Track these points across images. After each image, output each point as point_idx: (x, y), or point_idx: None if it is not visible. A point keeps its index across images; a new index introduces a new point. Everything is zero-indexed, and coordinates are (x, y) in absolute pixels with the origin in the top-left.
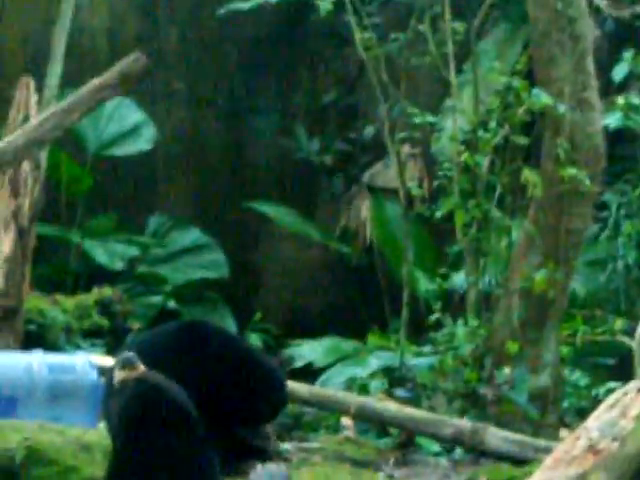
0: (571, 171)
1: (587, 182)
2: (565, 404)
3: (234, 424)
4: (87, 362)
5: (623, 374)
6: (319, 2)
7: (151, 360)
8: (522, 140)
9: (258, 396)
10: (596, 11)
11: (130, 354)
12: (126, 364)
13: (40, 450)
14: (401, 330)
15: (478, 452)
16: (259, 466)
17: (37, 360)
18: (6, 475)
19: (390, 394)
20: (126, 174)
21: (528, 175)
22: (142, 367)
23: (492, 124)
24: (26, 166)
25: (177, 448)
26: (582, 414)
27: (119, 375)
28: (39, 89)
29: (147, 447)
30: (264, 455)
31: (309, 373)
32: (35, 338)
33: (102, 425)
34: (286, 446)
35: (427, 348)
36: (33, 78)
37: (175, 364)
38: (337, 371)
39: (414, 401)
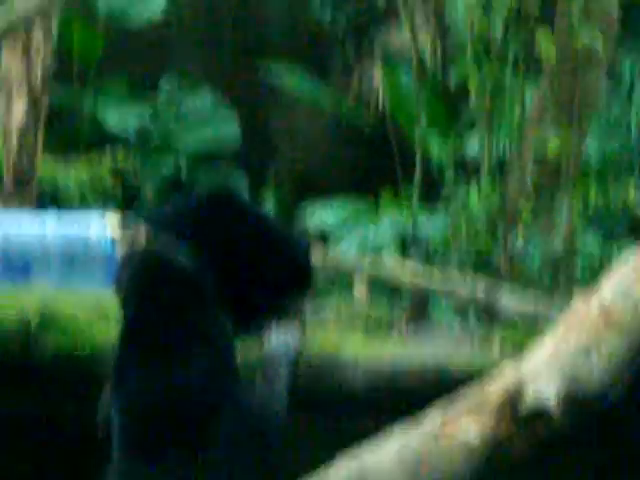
0: (585, 36)
1: (600, 47)
2: (578, 269)
3: (253, 296)
4: (101, 226)
5: (637, 239)
6: None
7: (168, 228)
8: (536, 5)
9: (283, 270)
10: None
11: (132, 221)
12: (128, 225)
13: (55, 315)
14: (414, 195)
15: (492, 315)
16: (273, 332)
17: (51, 224)
18: (21, 340)
19: (403, 256)
20: (137, 37)
21: (542, 40)
22: (145, 237)
23: None
24: (38, 31)
25: (187, 317)
26: (595, 279)
27: (123, 245)
28: None
29: (156, 318)
30: (280, 323)
31: (322, 236)
32: (49, 202)
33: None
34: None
35: (440, 212)
36: None
37: (196, 231)
38: (350, 234)
39: (427, 263)
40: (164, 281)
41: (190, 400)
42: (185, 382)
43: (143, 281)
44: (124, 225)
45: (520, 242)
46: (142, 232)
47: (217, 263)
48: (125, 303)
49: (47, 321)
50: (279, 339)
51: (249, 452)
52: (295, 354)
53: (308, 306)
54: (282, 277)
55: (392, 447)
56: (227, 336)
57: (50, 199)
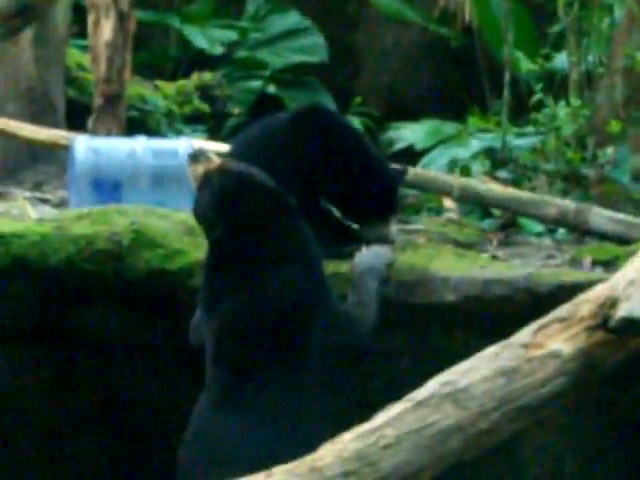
0: None
1: None
2: None
3: (344, 210)
4: (190, 147)
5: None
6: None
7: (251, 149)
8: None
9: (368, 193)
10: None
11: (198, 149)
12: (197, 158)
13: (146, 234)
14: (503, 111)
15: (582, 232)
16: (364, 248)
17: (141, 145)
18: (113, 258)
19: (492, 175)
20: None
21: None
22: (216, 158)
23: None
24: None
25: (272, 231)
26: None
27: (196, 170)
28: None
29: (242, 233)
30: (370, 240)
31: (410, 155)
32: (137, 124)
33: None
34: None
35: (529, 129)
36: None
37: (288, 149)
38: (438, 153)
39: (516, 182)
40: (246, 195)
41: (282, 314)
42: (275, 297)
43: (226, 197)
44: (194, 158)
45: (610, 157)
46: (215, 160)
47: (308, 177)
48: (209, 223)
49: (138, 239)
50: (369, 254)
51: (340, 364)
52: (385, 269)
53: (396, 226)
54: (371, 196)
55: (485, 358)
56: (314, 249)
57: (139, 119)
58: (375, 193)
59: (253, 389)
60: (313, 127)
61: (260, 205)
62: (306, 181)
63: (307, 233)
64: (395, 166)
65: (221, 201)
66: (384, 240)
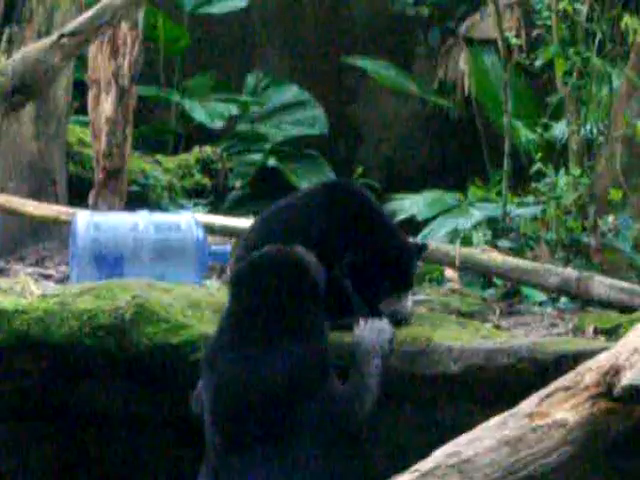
0: None
1: None
2: None
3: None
4: (192, 220)
5: None
6: None
7: (290, 220)
8: None
9: (384, 269)
10: None
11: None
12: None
13: (149, 307)
14: (503, 180)
15: (584, 301)
16: (362, 321)
17: (142, 219)
18: (116, 333)
19: (493, 245)
20: (223, 32)
21: (628, 21)
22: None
23: None
24: (124, 26)
25: (293, 308)
26: None
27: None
28: None
29: (261, 306)
30: (371, 312)
31: (412, 226)
32: (138, 199)
33: (209, 283)
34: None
35: (529, 199)
36: None
37: (316, 223)
38: (440, 223)
39: (517, 251)
40: (281, 272)
41: (280, 388)
42: (276, 370)
43: (258, 270)
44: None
45: (611, 225)
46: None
47: (324, 247)
48: (235, 290)
49: (141, 313)
50: (369, 329)
51: (334, 443)
52: (387, 345)
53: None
54: (388, 271)
55: (490, 428)
56: (323, 327)
57: (140, 194)
58: (391, 269)
59: (244, 462)
60: (335, 201)
61: (292, 280)
62: (321, 251)
63: (321, 311)
64: (415, 240)
65: (254, 267)
66: (397, 314)
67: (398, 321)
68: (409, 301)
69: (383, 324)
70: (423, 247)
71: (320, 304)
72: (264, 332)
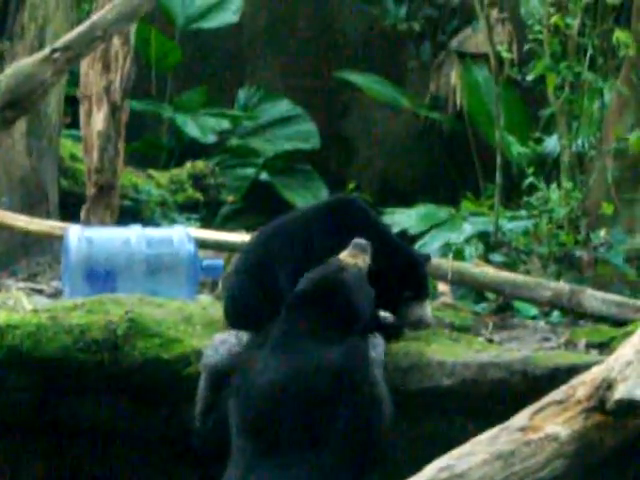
0: None
1: None
2: None
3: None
4: (184, 235)
5: None
6: None
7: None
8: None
9: (403, 277)
10: None
11: (363, 242)
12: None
13: (141, 322)
14: (495, 195)
15: (576, 314)
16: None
17: (135, 234)
18: (108, 348)
19: (486, 259)
20: (215, 47)
21: (619, 35)
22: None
23: None
24: (116, 41)
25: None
26: None
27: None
28: None
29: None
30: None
31: (404, 240)
32: (130, 213)
33: (201, 297)
34: (384, 314)
35: (521, 213)
36: None
37: (318, 237)
38: (432, 237)
39: (510, 266)
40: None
41: (321, 394)
42: (313, 376)
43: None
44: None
45: (603, 239)
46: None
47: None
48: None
49: (133, 328)
50: (371, 343)
51: (361, 451)
52: (384, 358)
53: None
54: (407, 279)
55: (482, 442)
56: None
57: (132, 208)
58: (409, 277)
59: (276, 467)
60: (338, 215)
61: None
62: None
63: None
64: (418, 251)
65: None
66: (423, 320)
67: (425, 326)
68: (429, 306)
69: (376, 339)
70: (427, 257)
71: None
72: (307, 340)
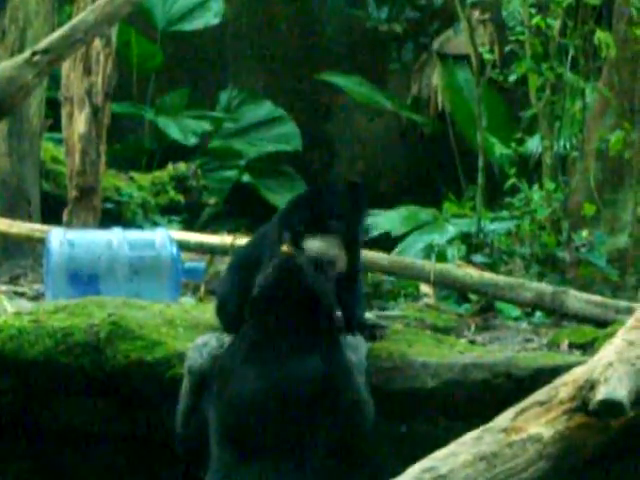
0: None
1: None
2: None
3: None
4: (166, 238)
5: None
6: None
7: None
8: (594, 0)
9: None
10: None
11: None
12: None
13: (124, 325)
14: (477, 196)
15: (559, 315)
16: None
17: (117, 237)
18: (91, 350)
19: (468, 260)
20: (196, 49)
21: (601, 36)
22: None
23: None
24: (97, 44)
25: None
26: None
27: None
28: None
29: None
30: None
31: (386, 242)
32: (112, 216)
33: (183, 300)
34: (367, 315)
35: (504, 214)
36: None
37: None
38: (414, 239)
39: (492, 267)
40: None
41: (297, 400)
42: (294, 383)
43: (275, 288)
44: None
45: (585, 240)
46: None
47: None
48: (253, 309)
49: (116, 331)
50: (347, 348)
51: (345, 455)
52: (366, 360)
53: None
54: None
55: (465, 444)
56: (340, 342)
57: (114, 211)
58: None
59: (256, 473)
60: None
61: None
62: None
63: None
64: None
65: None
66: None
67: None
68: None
69: (357, 340)
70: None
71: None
72: (281, 346)
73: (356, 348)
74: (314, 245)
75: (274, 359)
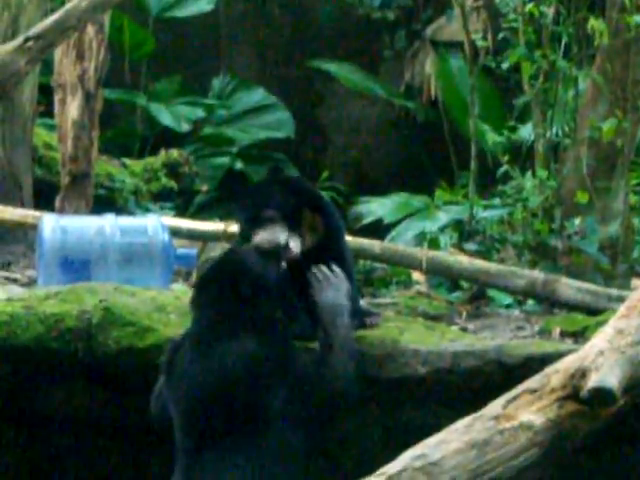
0: (637, 18)
1: None
2: (636, 253)
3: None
4: (158, 224)
5: None
6: None
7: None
8: None
9: None
10: None
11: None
12: None
13: (115, 311)
14: (470, 183)
15: (551, 303)
16: (315, 282)
17: (109, 223)
18: (82, 337)
19: (460, 248)
20: (189, 36)
21: (594, 24)
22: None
23: None
24: (90, 30)
25: (238, 305)
26: None
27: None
28: None
29: (213, 308)
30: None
31: (378, 229)
32: (105, 202)
33: (175, 286)
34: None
35: (496, 201)
36: None
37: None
38: (406, 226)
39: (484, 254)
40: (226, 276)
41: (234, 382)
42: (228, 365)
43: (208, 276)
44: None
45: (577, 228)
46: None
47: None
48: (193, 296)
49: (107, 317)
50: (329, 289)
51: (306, 424)
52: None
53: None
54: None
55: (457, 431)
56: (278, 324)
57: (106, 197)
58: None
59: (215, 456)
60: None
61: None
62: None
63: (278, 309)
64: None
65: (217, 273)
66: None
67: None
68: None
69: (338, 280)
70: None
71: (274, 301)
72: (218, 331)
73: (338, 288)
74: (260, 237)
75: (212, 342)
